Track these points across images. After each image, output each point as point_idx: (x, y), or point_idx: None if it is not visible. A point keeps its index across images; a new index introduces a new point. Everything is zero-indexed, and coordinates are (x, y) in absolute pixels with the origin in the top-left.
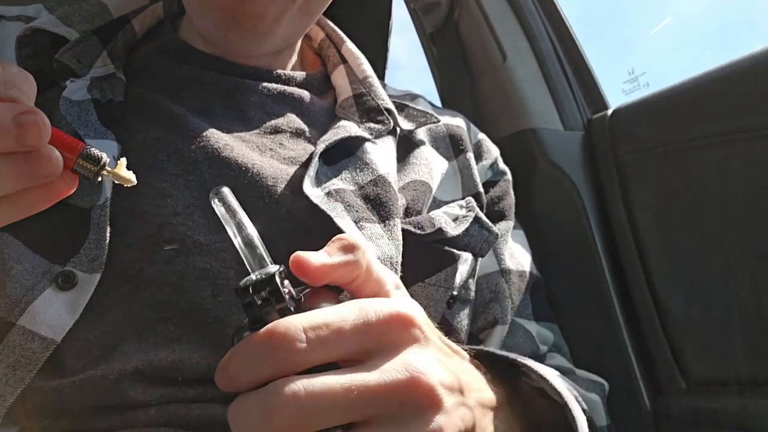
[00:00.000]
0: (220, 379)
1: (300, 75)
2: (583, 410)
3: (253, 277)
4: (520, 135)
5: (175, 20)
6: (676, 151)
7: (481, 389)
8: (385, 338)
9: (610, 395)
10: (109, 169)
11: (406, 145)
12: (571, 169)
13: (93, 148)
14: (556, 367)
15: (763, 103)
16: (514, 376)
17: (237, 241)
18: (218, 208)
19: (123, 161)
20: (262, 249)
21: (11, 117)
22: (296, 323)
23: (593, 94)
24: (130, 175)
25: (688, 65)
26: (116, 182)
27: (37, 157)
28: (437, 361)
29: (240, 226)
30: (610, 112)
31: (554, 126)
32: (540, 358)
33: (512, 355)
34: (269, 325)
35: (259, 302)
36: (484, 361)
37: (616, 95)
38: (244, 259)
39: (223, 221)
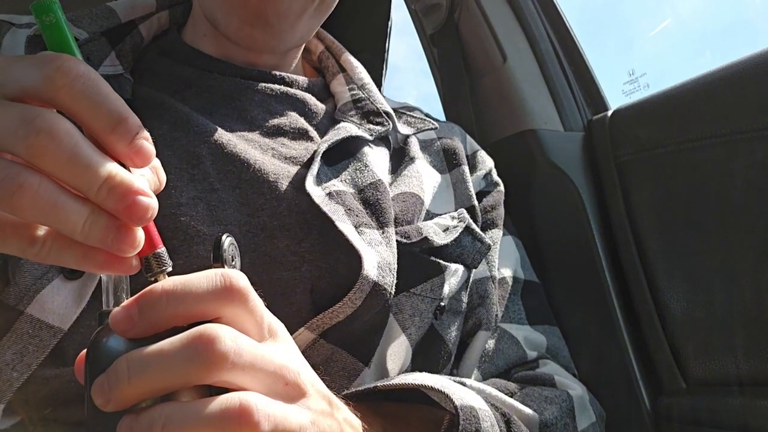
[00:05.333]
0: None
1: (303, 79)
2: (507, 420)
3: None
4: (521, 136)
5: (180, 29)
6: (677, 151)
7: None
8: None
9: (610, 395)
10: (165, 278)
11: (399, 158)
12: (572, 169)
13: (166, 254)
14: (534, 377)
15: (763, 104)
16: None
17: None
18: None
19: None
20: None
21: (133, 190)
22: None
23: (593, 95)
24: None
25: (688, 66)
26: None
27: (126, 230)
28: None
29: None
30: (610, 113)
31: (554, 127)
32: (529, 364)
33: (413, 381)
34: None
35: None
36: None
37: (617, 96)
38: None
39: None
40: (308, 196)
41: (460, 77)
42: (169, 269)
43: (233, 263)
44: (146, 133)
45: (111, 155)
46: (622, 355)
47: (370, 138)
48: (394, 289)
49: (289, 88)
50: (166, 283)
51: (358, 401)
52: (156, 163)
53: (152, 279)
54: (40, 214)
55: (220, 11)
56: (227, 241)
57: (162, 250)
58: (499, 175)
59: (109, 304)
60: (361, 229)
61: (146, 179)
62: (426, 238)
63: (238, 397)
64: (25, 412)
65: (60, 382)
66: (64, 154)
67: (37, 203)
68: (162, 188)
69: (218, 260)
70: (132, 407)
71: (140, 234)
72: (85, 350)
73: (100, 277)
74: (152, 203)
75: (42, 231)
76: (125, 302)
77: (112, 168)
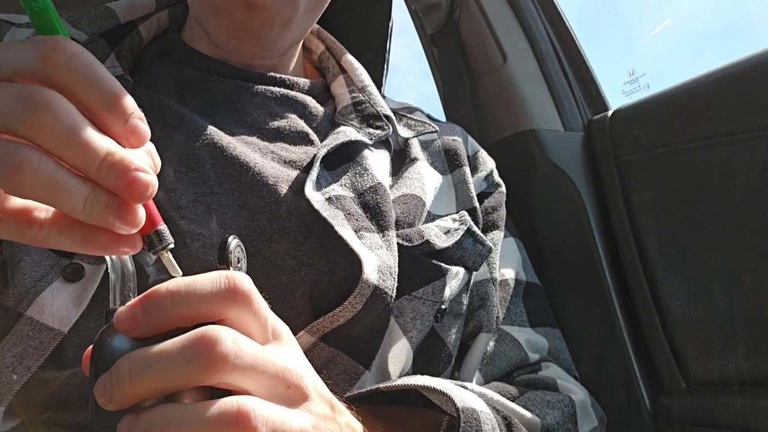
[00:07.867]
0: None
1: (303, 81)
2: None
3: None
4: (521, 136)
5: (180, 28)
6: (677, 151)
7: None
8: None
9: (610, 395)
10: (168, 255)
11: (401, 160)
12: (572, 169)
13: (167, 230)
14: (536, 380)
15: (763, 104)
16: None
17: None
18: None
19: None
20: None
21: (133, 167)
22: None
23: (593, 95)
24: (177, 270)
25: (688, 66)
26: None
27: (128, 208)
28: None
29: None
30: (610, 113)
31: (554, 127)
32: (531, 367)
33: (416, 382)
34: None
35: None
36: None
37: (617, 96)
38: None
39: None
40: (308, 201)
41: (460, 77)
42: (171, 245)
43: (239, 265)
44: (141, 113)
45: (107, 134)
46: (622, 355)
47: (370, 142)
48: (395, 293)
49: (289, 91)
50: (171, 284)
51: (358, 404)
52: (150, 146)
53: (155, 256)
54: (41, 191)
55: (208, 23)
56: (233, 242)
57: (163, 227)
58: (499, 175)
59: (115, 303)
60: (361, 233)
61: (143, 160)
62: (428, 241)
63: (236, 401)
64: (25, 414)
65: (60, 385)
66: (63, 130)
67: (37, 180)
68: (158, 171)
69: (224, 262)
70: (134, 406)
71: (141, 211)
72: (91, 346)
73: (101, 279)
74: (152, 180)
75: (40, 213)
76: (130, 302)
77: (111, 145)
